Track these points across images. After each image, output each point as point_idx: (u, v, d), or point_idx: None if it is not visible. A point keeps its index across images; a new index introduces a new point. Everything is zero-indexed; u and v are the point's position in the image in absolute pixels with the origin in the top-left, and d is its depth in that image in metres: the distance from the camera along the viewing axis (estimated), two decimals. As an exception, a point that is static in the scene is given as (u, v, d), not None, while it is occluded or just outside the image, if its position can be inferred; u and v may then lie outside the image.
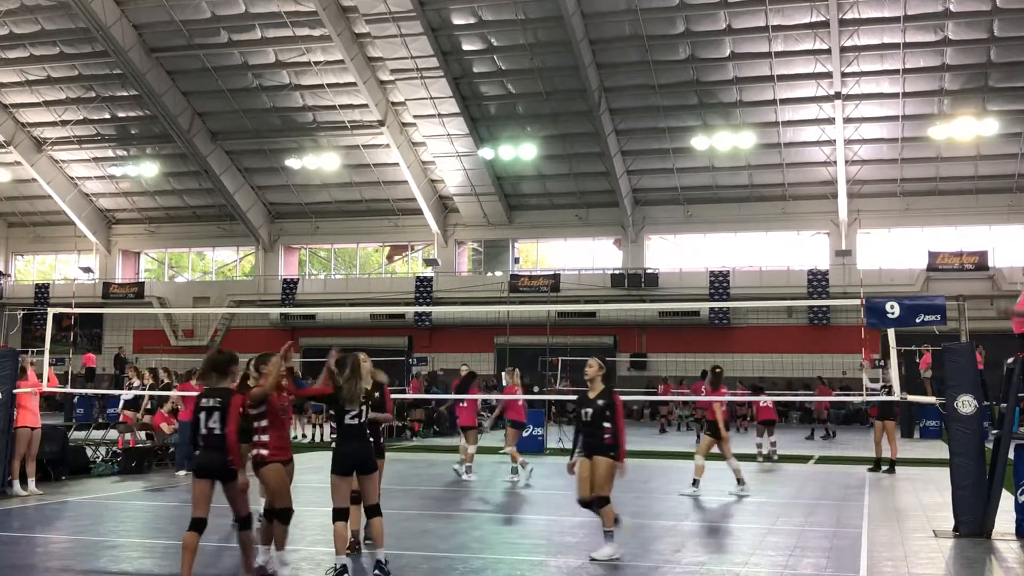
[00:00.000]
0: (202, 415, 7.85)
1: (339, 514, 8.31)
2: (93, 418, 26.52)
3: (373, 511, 8.41)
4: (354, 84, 37.63)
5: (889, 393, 17.63)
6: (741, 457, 21.07)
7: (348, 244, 46.77)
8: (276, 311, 41.62)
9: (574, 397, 16.60)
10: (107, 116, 42.06)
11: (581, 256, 43.34)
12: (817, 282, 38.11)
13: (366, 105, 38.51)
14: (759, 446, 20.40)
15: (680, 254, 41.59)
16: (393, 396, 20.96)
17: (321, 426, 25.51)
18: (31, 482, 13.86)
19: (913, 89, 35.02)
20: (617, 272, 40.68)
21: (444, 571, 8.89)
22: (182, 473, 16.65)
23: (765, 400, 20.63)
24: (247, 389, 8.41)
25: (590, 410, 9.71)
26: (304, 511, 12.92)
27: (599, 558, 9.31)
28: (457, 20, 35.03)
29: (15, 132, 42.97)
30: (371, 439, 8.75)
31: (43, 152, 43.91)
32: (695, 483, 14.65)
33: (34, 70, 40.15)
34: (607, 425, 9.58)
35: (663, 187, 40.38)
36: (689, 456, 18.58)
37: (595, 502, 9.53)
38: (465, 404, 17.21)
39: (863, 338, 14.52)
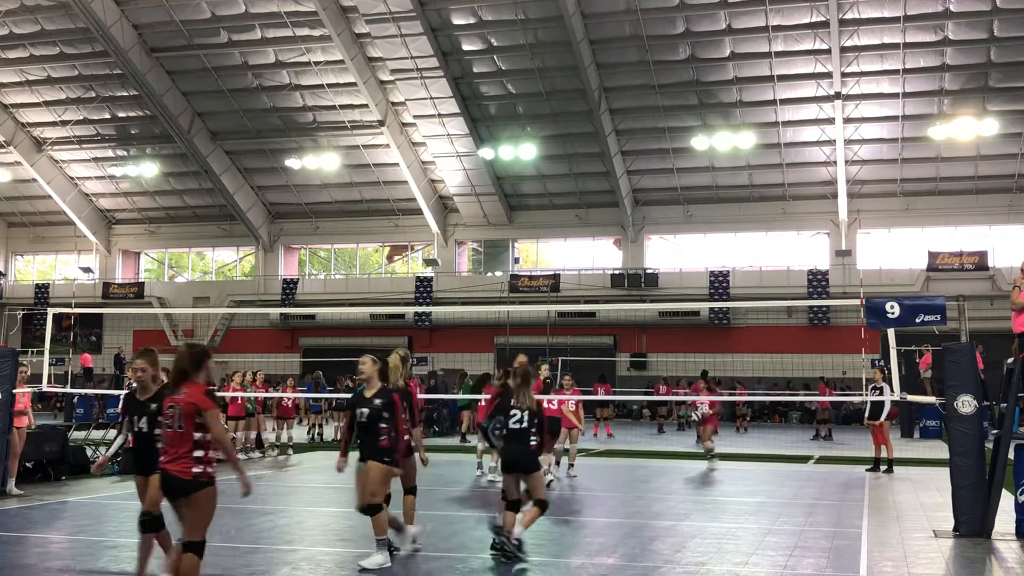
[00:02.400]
0: None
1: (512, 505, 9.22)
2: (93, 418, 26.53)
3: (541, 505, 9.27)
4: (354, 84, 37.63)
5: (881, 394, 17.69)
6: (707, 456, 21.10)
7: (348, 244, 46.76)
8: (276, 311, 41.64)
9: (575, 398, 16.69)
10: (107, 116, 42.07)
11: (581, 256, 43.32)
12: (817, 282, 38.10)
13: (366, 105, 38.51)
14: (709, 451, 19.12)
15: (680, 254, 41.58)
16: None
17: (320, 426, 25.53)
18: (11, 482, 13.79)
19: (913, 89, 35.02)
20: (617, 272, 40.67)
21: (444, 571, 8.90)
22: None
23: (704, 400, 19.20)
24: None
25: (366, 410, 9.02)
26: (304, 511, 12.96)
27: (368, 567, 8.70)
28: (457, 20, 35.02)
29: (15, 132, 42.97)
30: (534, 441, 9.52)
31: (43, 152, 43.91)
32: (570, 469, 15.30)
33: (34, 70, 40.15)
34: (383, 426, 8.90)
35: (663, 187, 40.38)
36: (687, 456, 18.63)
37: (367, 509, 8.93)
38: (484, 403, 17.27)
39: (863, 338, 14.52)
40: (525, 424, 9.29)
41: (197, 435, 6.79)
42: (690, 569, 9.09)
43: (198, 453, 6.77)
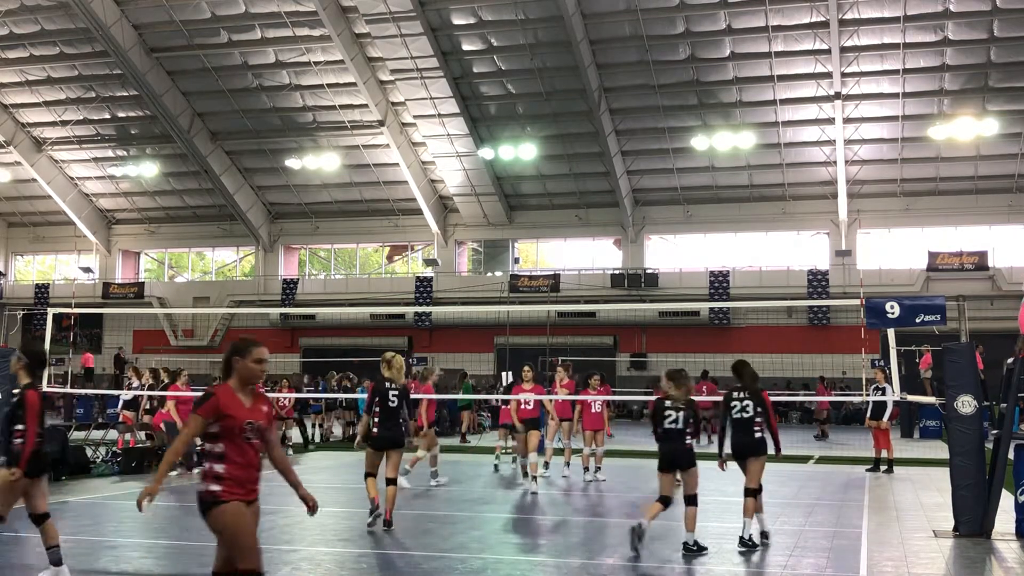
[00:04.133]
0: None
1: (664, 500, 9.80)
2: (93, 418, 26.52)
3: (690, 500, 9.79)
4: (354, 84, 37.63)
5: (884, 394, 17.69)
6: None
7: (348, 244, 46.77)
8: (276, 311, 41.62)
9: (574, 398, 16.66)
10: (107, 116, 42.06)
11: (581, 256, 43.33)
12: (817, 282, 38.11)
13: (366, 105, 38.50)
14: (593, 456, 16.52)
15: (680, 254, 41.58)
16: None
17: (320, 426, 25.53)
18: None
19: (913, 89, 35.02)
20: (617, 272, 40.67)
21: (444, 571, 8.89)
22: (174, 473, 16.65)
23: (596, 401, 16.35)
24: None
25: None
26: (304, 511, 12.93)
27: None
28: (457, 20, 35.02)
29: (15, 132, 42.97)
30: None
31: (43, 152, 43.91)
32: (434, 475, 15.50)
33: (34, 70, 40.15)
34: (16, 428, 7.88)
35: (663, 187, 40.38)
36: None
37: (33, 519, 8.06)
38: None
39: (863, 338, 14.52)
40: (680, 424, 9.80)
41: (207, 446, 5.92)
42: (690, 569, 9.09)
43: (205, 466, 5.92)
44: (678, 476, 9.96)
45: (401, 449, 11.07)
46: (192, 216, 46.39)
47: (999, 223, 37.97)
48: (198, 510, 5.85)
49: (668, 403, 9.92)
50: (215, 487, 5.77)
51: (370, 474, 10.97)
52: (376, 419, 10.93)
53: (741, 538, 10.00)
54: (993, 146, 36.22)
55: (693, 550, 9.66)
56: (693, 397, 10.16)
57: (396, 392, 10.95)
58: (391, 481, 10.83)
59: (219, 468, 5.80)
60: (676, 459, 9.83)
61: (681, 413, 9.84)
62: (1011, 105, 34.86)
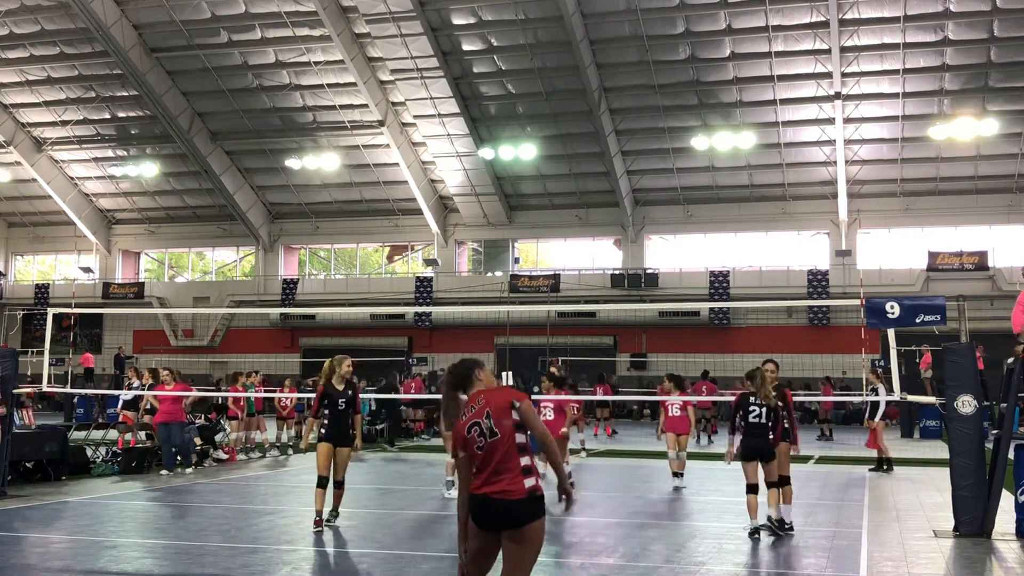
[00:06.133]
0: None
1: (751, 488, 10.54)
2: (93, 418, 26.51)
3: (771, 485, 10.72)
4: (354, 84, 37.63)
5: (878, 394, 17.72)
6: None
7: (348, 244, 46.76)
8: (276, 311, 41.61)
9: (572, 398, 16.66)
10: (107, 116, 42.05)
11: (581, 256, 43.31)
12: (817, 282, 38.10)
13: (366, 105, 38.50)
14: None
15: (680, 254, 41.57)
16: (392, 396, 20.54)
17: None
18: None
19: (913, 89, 35.01)
20: (617, 272, 40.66)
21: (444, 571, 8.89)
22: (165, 473, 16.63)
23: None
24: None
25: None
26: (304, 511, 12.94)
27: None
28: (457, 20, 35.02)
29: (15, 132, 42.96)
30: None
31: (43, 152, 43.90)
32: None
33: (34, 70, 40.15)
34: None
35: (663, 187, 40.37)
36: (687, 457, 18.56)
37: None
38: None
39: (863, 338, 14.52)
40: (764, 419, 10.61)
41: (520, 438, 5.74)
42: (690, 569, 9.09)
43: (527, 461, 5.70)
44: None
45: (347, 448, 11.38)
46: (192, 216, 46.39)
47: (999, 223, 37.96)
48: (521, 512, 5.30)
49: (752, 399, 10.63)
50: (543, 485, 5.26)
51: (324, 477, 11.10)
52: (326, 420, 11.28)
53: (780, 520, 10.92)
54: (993, 146, 36.22)
55: (775, 527, 10.44)
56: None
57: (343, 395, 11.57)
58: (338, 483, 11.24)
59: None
60: (759, 451, 10.58)
61: (764, 408, 10.60)
62: (1011, 105, 34.85)
